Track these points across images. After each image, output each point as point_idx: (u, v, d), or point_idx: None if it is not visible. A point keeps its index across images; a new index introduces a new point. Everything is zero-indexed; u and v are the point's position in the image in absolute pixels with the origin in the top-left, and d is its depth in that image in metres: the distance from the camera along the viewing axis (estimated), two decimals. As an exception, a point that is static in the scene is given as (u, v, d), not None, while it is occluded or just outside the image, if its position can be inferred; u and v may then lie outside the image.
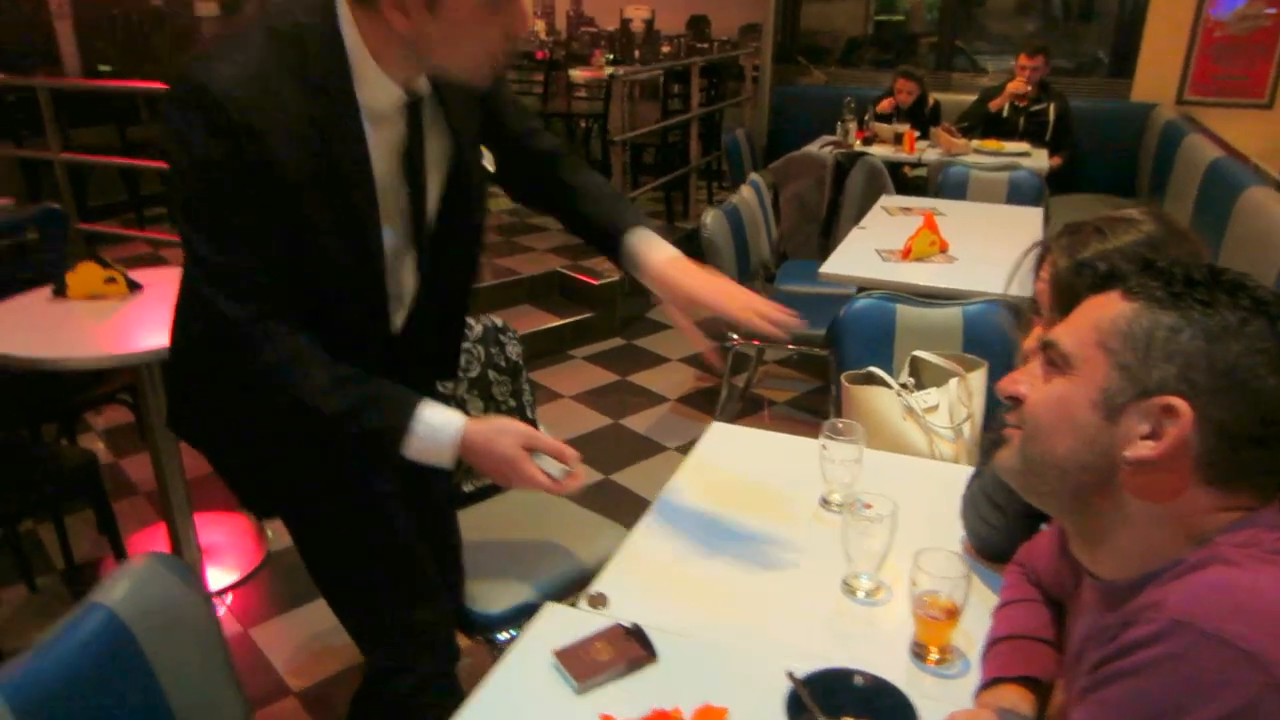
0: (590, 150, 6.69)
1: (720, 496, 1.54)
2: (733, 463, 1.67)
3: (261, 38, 1.12)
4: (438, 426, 1.23)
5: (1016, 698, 1.02)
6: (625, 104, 6.09)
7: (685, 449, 3.39)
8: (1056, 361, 0.86)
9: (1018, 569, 1.20)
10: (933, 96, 5.41)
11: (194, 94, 1.08)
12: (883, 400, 2.13)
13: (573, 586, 1.76)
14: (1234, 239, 2.97)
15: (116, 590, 1.04)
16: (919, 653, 1.18)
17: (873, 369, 2.25)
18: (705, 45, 6.61)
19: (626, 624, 1.18)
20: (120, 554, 2.58)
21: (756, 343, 1.18)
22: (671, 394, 3.94)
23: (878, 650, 1.19)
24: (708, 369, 1.32)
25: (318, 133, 1.14)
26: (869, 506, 1.29)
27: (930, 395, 2.20)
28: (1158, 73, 5.47)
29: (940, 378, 2.27)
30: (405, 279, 1.36)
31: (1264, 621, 0.68)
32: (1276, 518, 0.77)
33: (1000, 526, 1.31)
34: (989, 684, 1.05)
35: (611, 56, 6.57)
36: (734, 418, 3.73)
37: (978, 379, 2.20)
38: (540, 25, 7.60)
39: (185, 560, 2.49)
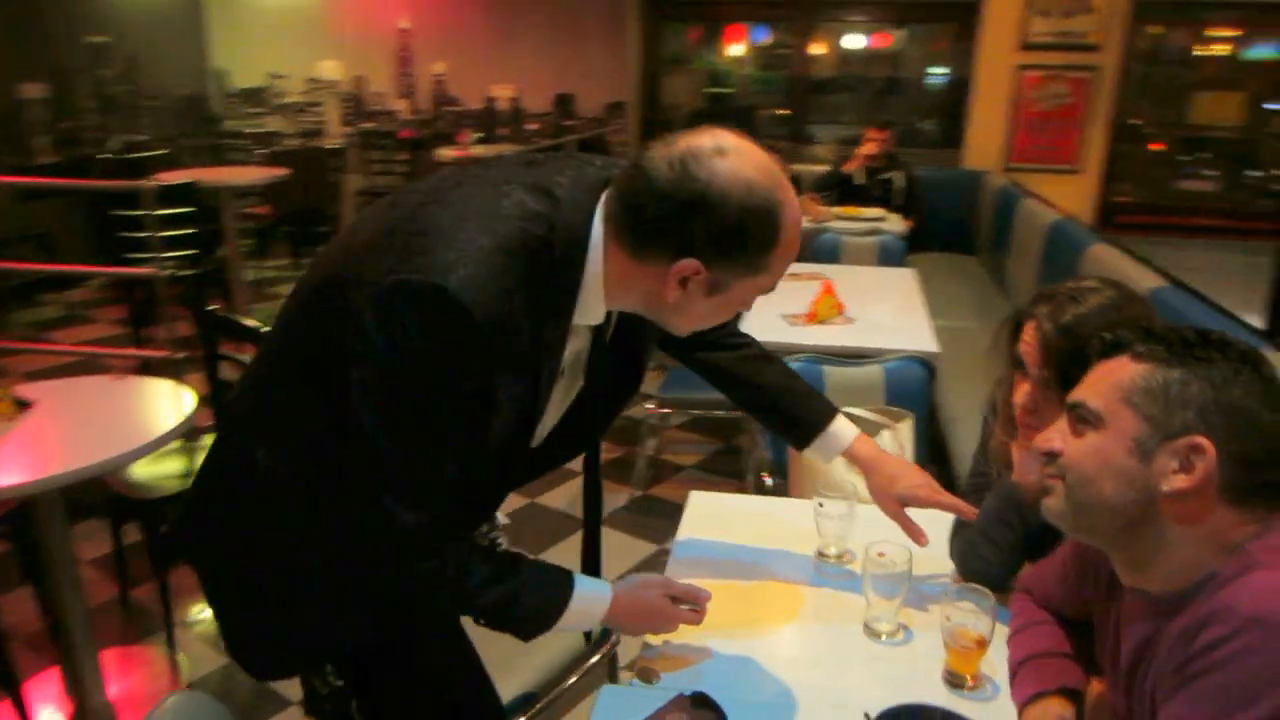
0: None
1: (720, 562, 1.63)
2: (722, 528, 1.77)
3: (506, 240, 1.06)
4: (591, 599, 1.26)
5: (1060, 708, 1.16)
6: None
7: (609, 521, 3.38)
8: (1088, 419, 1.02)
9: (1025, 596, 1.36)
10: (792, 167, 5.80)
11: (433, 294, 1.01)
12: (826, 456, 2.30)
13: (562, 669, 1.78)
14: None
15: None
16: (955, 682, 1.31)
17: (814, 428, 2.41)
18: (573, 123, 6.85)
19: (687, 693, 1.24)
20: (21, 709, 2.28)
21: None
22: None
23: (917, 684, 1.31)
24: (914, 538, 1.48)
25: (534, 351, 1.11)
26: (882, 555, 1.42)
27: (866, 448, 2.38)
28: (983, 143, 6.10)
29: (871, 431, 2.46)
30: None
31: (1313, 611, 0.84)
32: None
33: (998, 562, 1.47)
34: (1032, 699, 1.19)
35: (479, 135, 6.69)
36: (648, 485, 3.83)
37: (906, 429, 2.40)
38: (404, 104, 7.63)
39: (92, 704, 2.28)
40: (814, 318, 3.16)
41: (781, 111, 7.39)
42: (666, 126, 7.11)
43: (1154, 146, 6.60)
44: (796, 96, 7.19)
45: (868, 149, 5.47)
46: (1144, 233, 5.89)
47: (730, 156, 1.06)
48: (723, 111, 7.39)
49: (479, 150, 6.61)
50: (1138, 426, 0.97)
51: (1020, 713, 1.20)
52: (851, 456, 1.56)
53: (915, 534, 1.49)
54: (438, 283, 1.01)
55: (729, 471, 3.97)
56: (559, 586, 1.24)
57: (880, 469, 1.53)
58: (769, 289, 1.17)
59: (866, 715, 1.16)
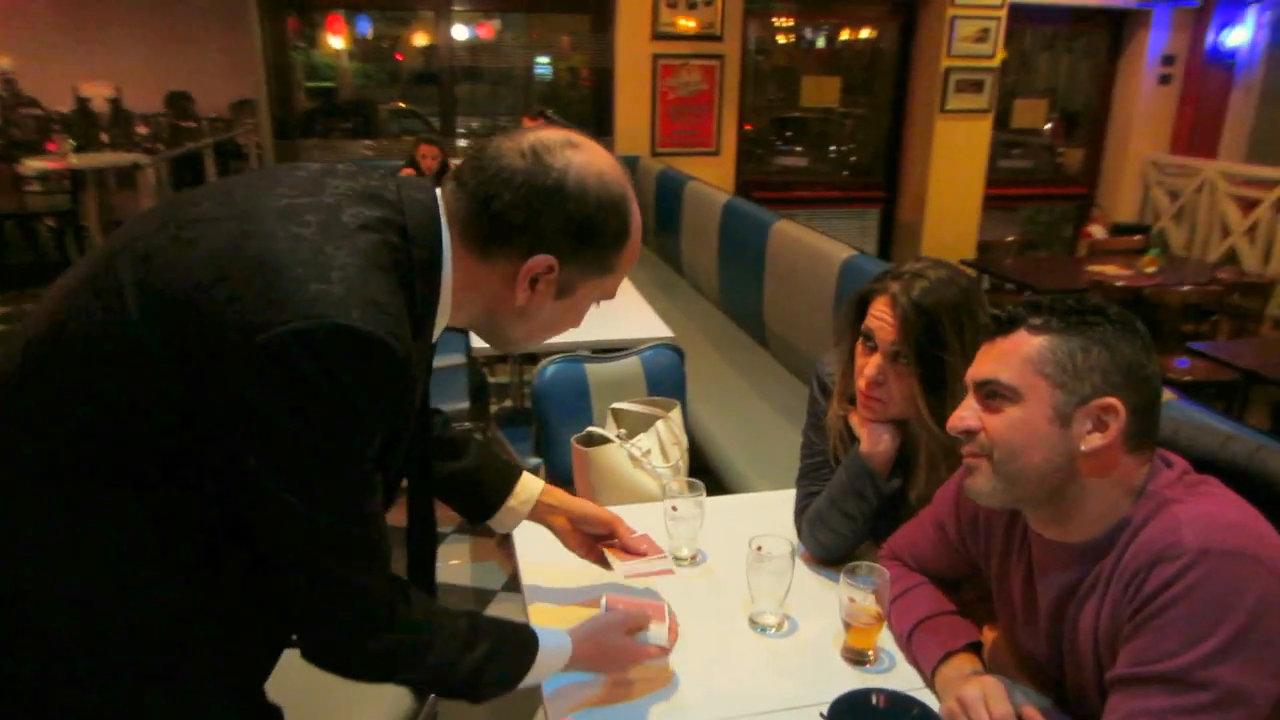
0: (67, 254, 5.73)
1: (579, 584, 1.53)
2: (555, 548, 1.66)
3: (374, 256, 0.94)
4: (552, 653, 1.19)
5: (972, 664, 1.23)
6: (97, 195, 5.36)
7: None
8: (1003, 394, 1.07)
9: (895, 562, 1.42)
10: (451, 160, 5.64)
11: (340, 339, 0.87)
12: (611, 456, 2.26)
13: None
14: (773, 264, 3.66)
15: None
16: (857, 659, 1.33)
17: (592, 429, 2.36)
18: (192, 124, 6.05)
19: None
20: None
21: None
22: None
23: (824, 670, 1.32)
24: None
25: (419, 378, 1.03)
26: (759, 549, 1.41)
27: (642, 441, 2.39)
28: (631, 130, 6.37)
29: (643, 423, 2.47)
30: None
31: (1243, 532, 0.96)
32: (1168, 461, 1.08)
33: (849, 533, 1.52)
34: (942, 660, 1.25)
35: (75, 144, 5.69)
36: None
37: (676, 417, 2.44)
38: (-33, 112, 6.29)
39: None
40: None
41: (403, 105, 7.22)
42: (309, 125, 6.66)
43: (761, 127, 7.30)
44: (411, 89, 6.98)
45: (425, 165, 5.17)
46: (771, 207, 6.54)
47: (582, 149, 1.04)
48: (340, 107, 7.06)
49: (77, 160, 5.63)
50: (1053, 395, 1.04)
51: (932, 675, 1.25)
52: (546, 505, 1.47)
53: (630, 541, 1.45)
54: (341, 323, 0.87)
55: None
56: (524, 646, 1.16)
57: (574, 509, 1.47)
58: (610, 294, 1.15)
59: (821, 715, 1.15)
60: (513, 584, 2.99)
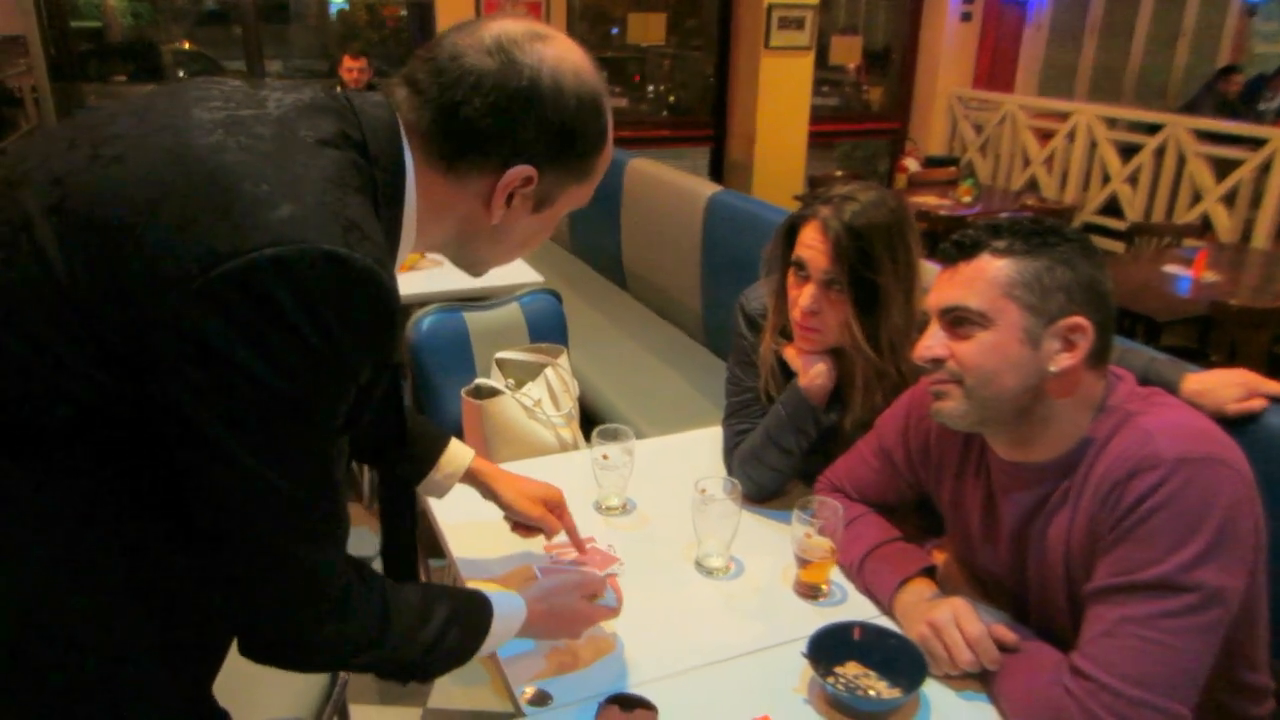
0: None
1: (505, 541, 1.44)
2: (479, 506, 1.56)
3: (344, 174, 0.82)
4: (508, 618, 1.08)
5: (928, 588, 1.25)
6: None
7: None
8: (972, 319, 1.07)
9: (837, 494, 1.42)
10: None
11: (324, 267, 0.74)
12: (505, 407, 2.17)
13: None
14: (630, 201, 3.60)
15: None
16: (811, 594, 1.33)
17: (480, 380, 2.26)
18: (-55, 65, 5.24)
19: (604, 699, 1.10)
20: None
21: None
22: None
23: (782, 608, 1.31)
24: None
25: None
26: (704, 491, 1.37)
27: (532, 390, 2.30)
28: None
29: (529, 372, 2.37)
30: None
31: (1211, 439, 1.00)
32: (1119, 376, 1.11)
33: (786, 468, 1.51)
34: (899, 586, 1.26)
35: None
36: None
37: (565, 363, 2.37)
38: None
39: None
40: (405, 266, 2.90)
41: (188, 46, 6.63)
42: (82, 68, 5.95)
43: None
44: (197, 30, 6.44)
45: (350, 78, 5.16)
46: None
47: (553, 42, 0.92)
48: (115, 48, 6.40)
49: None
50: (1022, 317, 1.05)
51: (890, 602, 1.26)
52: (476, 473, 1.38)
53: (579, 542, 1.39)
54: (325, 248, 0.74)
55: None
56: (479, 612, 1.05)
57: (507, 479, 1.38)
58: (585, 201, 1.04)
59: (801, 653, 1.13)
60: (386, 551, 2.83)
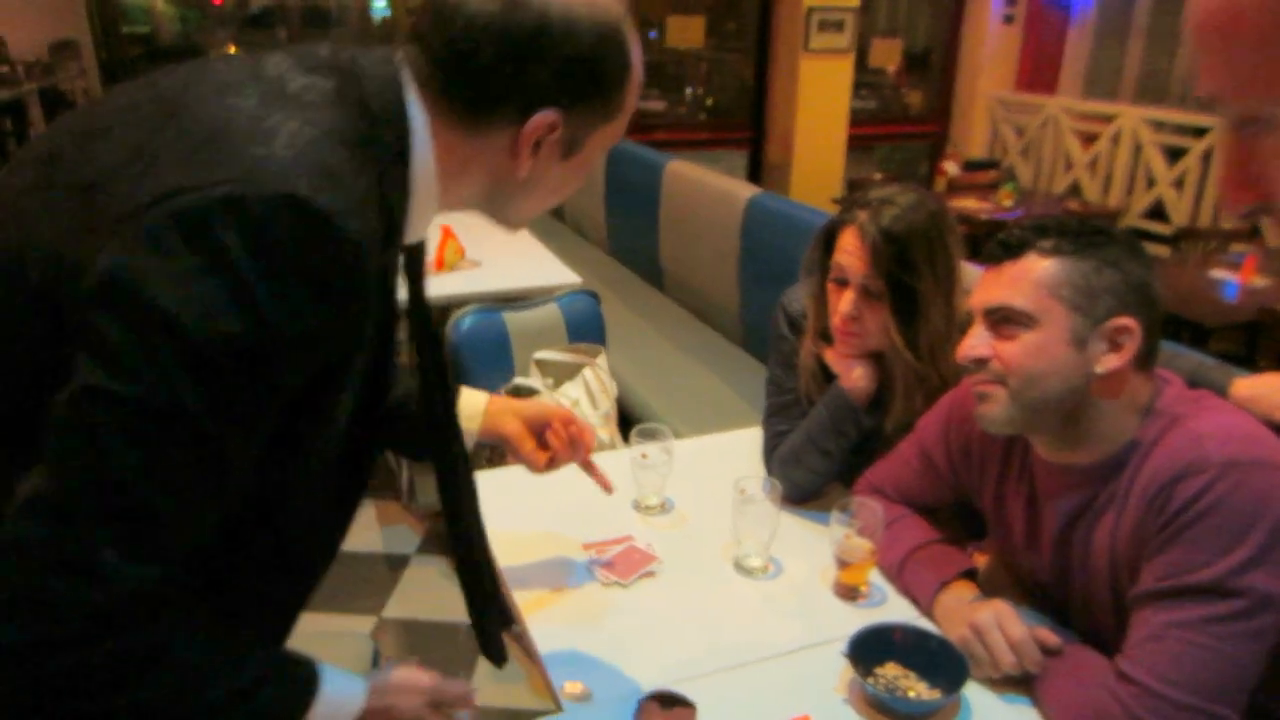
0: None
1: (546, 546, 1.46)
2: (524, 505, 1.57)
3: (335, 127, 0.77)
4: (341, 701, 0.92)
5: (970, 590, 1.24)
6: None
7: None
8: (1017, 320, 1.06)
9: (878, 495, 1.41)
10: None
11: (278, 210, 0.69)
12: (543, 407, 2.18)
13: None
14: (668, 203, 3.61)
15: None
16: (850, 595, 1.33)
17: (519, 381, 2.28)
18: (5, 69, 5.38)
19: (645, 696, 1.10)
20: None
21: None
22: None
23: (820, 609, 1.31)
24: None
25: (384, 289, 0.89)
26: (743, 492, 1.38)
27: (570, 390, 2.32)
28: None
29: (568, 372, 2.39)
30: None
31: (1261, 443, 0.98)
32: (1166, 379, 1.10)
33: (825, 471, 1.51)
34: (940, 588, 1.25)
35: None
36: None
37: (603, 363, 2.38)
38: None
39: None
40: (441, 265, 2.94)
41: (234, 50, 6.73)
42: (132, 71, 6.09)
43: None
44: (245, 34, 6.54)
45: None
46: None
47: None
48: (166, 52, 6.52)
49: None
50: (1069, 318, 1.04)
51: (931, 603, 1.26)
52: (494, 413, 1.29)
53: (602, 479, 1.31)
54: (283, 191, 0.70)
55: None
56: (309, 681, 0.89)
57: (526, 409, 1.30)
58: (616, 140, 0.97)
59: (841, 653, 1.13)
60: (427, 546, 2.86)
